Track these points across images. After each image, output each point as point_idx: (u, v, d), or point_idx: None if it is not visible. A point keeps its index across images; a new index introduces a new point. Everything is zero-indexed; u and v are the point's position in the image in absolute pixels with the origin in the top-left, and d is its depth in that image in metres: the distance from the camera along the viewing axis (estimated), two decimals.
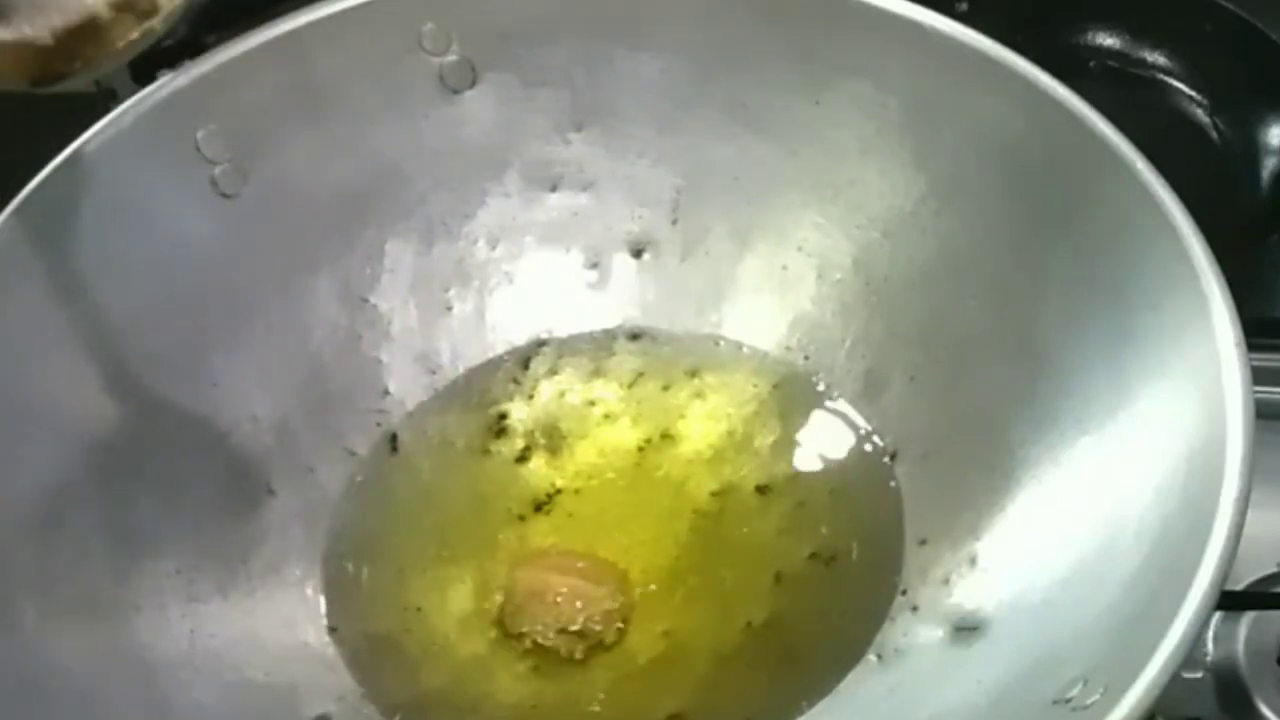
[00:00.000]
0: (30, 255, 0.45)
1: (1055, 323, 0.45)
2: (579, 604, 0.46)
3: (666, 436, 0.51)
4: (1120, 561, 0.39)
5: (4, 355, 0.44)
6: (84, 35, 0.40)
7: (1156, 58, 0.65)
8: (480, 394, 0.52)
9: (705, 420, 0.51)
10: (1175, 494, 0.39)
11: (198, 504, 0.47)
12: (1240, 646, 0.46)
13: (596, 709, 0.45)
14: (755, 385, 0.51)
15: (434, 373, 0.52)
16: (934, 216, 0.49)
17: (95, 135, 0.46)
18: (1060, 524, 0.43)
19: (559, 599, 0.46)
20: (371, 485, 0.50)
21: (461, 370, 0.53)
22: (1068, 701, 0.36)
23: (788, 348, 0.52)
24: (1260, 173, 0.62)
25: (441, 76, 0.51)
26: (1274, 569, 0.47)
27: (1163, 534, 0.38)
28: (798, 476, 0.49)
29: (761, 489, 0.49)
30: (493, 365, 0.53)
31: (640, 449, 0.51)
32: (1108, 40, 0.66)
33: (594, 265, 0.54)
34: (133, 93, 0.47)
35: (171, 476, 0.47)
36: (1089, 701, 0.35)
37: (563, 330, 0.53)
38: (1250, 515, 0.36)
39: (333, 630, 0.47)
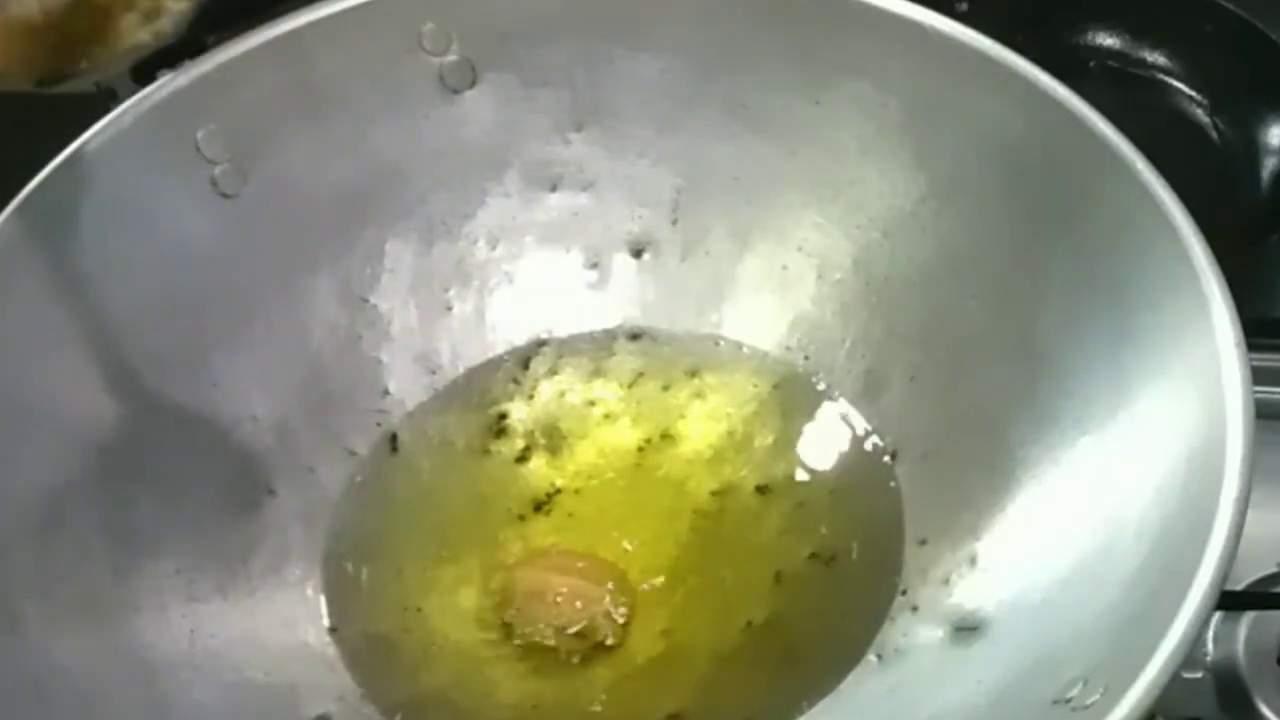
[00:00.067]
0: (30, 255, 0.45)
1: (1055, 323, 0.45)
2: (579, 604, 0.46)
3: (666, 436, 0.51)
4: (1120, 561, 0.39)
5: (4, 355, 0.44)
6: (82, 22, 0.40)
7: (1156, 58, 0.65)
8: (480, 394, 0.52)
9: (705, 420, 0.51)
10: (1175, 494, 0.39)
11: (198, 504, 0.47)
12: (1240, 646, 0.46)
13: (596, 709, 0.45)
14: (755, 385, 0.51)
15: (434, 373, 0.52)
16: (934, 216, 0.49)
17: (95, 135, 0.46)
18: (1060, 524, 0.43)
19: (559, 599, 0.46)
20: (371, 485, 0.50)
21: (461, 370, 0.53)
22: (1068, 701, 0.36)
23: (788, 348, 0.52)
24: (1260, 173, 0.62)
25: (441, 76, 0.51)
26: (1274, 569, 0.47)
27: (1163, 534, 0.38)
28: (797, 476, 0.49)
29: (761, 489, 0.49)
30: (493, 365, 0.53)
31: (640, 449, 0.51)
32: (1108, 40, 0.66)
33: (594, 265, 0.54)
34: (133, 93, 0.47)
35: (171, 476, 0.47)
36: (1089, 701, 0.35)
37: (563, 330, 0.53)
38: (1250, 515, 0.36)
39: (333, 630, 0.47)
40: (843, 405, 0.50)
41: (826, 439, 0.50)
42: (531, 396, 0.52)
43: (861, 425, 0.50)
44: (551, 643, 0.46)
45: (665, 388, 0.52)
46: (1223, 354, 0.39)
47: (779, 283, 0.52)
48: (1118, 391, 0.42)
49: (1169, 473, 0.39)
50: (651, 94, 0.51)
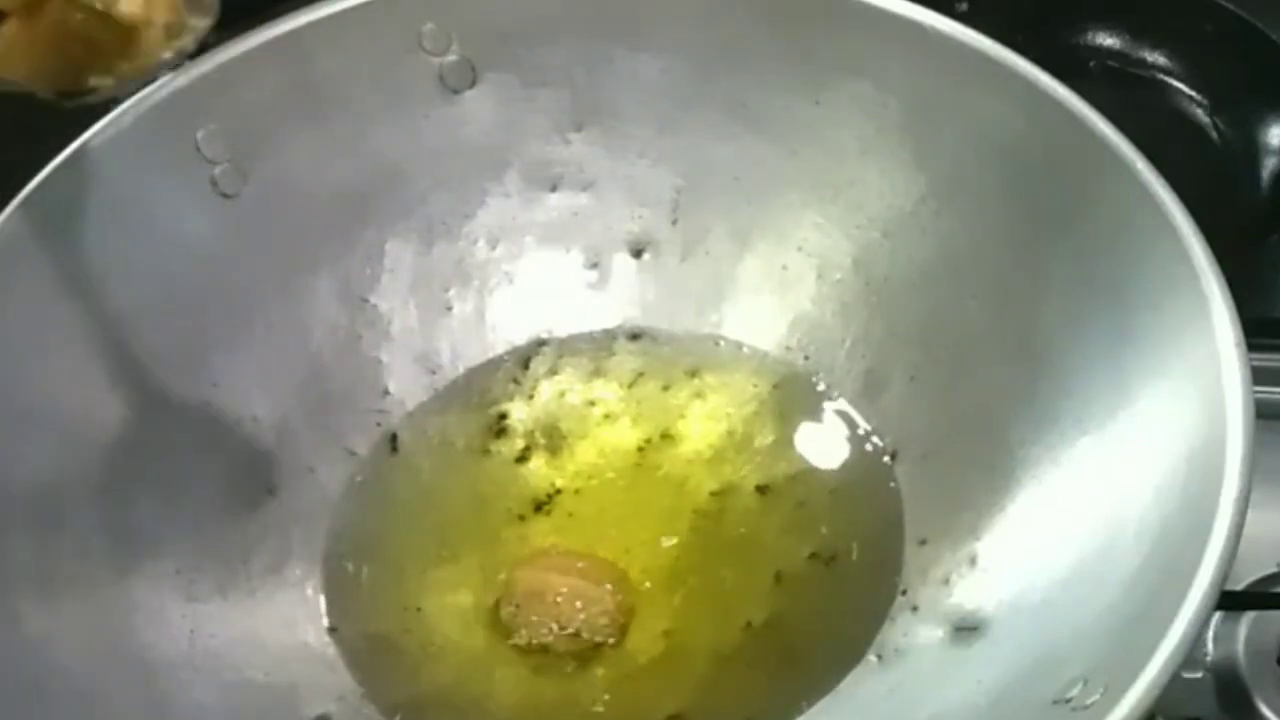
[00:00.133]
0: (30, 255, 0.45)
1: (1055, 323, 0.45)
2: (579, 604, 0.46)
3: (666, 436, 0.51)
4: (1120, 561, 0.39)
5: (4, 355, 0.44)
6: (108, 37, 0.40)
7: (1156, 58, 0.65)
8: (480, 394, 0.52)
9: (705, 420, 0.51)
10: (1175, 494, 0.39)
11: (198, 504, 0.47)
12: (1240, 646, 0.46)
13: (596, 709, 0.45)
14: (755, 385, 0.51)
15: (434, 373, 0.52)
16: (934, 216, 0.49)
17: (95, 135, 0.46)
18: (1060, 524, 0.43)
19: (559, 599, 0.46)
20: (371, 485, 0.50)
21: (461, 370, 0.53)
22: (1068, 701, 0.36)
23: (788, 348, 0.52)
24: (1260, 173, 0.62)
25: (441, 76, 0.51)
26: (1274, 569, 0.47)
27: (1163, 534, 0.38)
28: (798, 476, 0.49)
29: (761, 489, 0.49)
30: (493, 365, 0.53)
31: (640, 449, 0.51)
32: (1108, 40, 0.66)
33: (594, 265, 0.54)
34: (133, 93, 0.47)
35: (171, 476, 0.47)
36: (1089, 701, 0.35)
37: (563, 330, 0.53)
38: (1250, 515, 0.36)
39: (333, 630, 0.47)
40: (843, 405, 0.50)
41: (826, 439, 0.50)
42: (531, 396, 0.52)
43: (861, 425, 0.50)
44: (551, 643, 0.46)
45: (665, 388, 0.52)
46: (1223, 354, 0.39)
47: (779, 283, 0.52)
48: (1118, 391, 0.42)
49: (1169, 473, 0.39)
50: (651, 94, 0.51)
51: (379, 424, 0.51)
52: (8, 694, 0.40)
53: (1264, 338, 0.47)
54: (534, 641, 0.46)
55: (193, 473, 0.48)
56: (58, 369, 0.45)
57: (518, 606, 0.46)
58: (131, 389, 0.47)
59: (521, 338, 0.53)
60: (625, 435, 0.51)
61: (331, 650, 0.46)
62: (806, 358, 0.51)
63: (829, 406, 0.51)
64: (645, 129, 0.52)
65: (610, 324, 0.53)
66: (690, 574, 0.47)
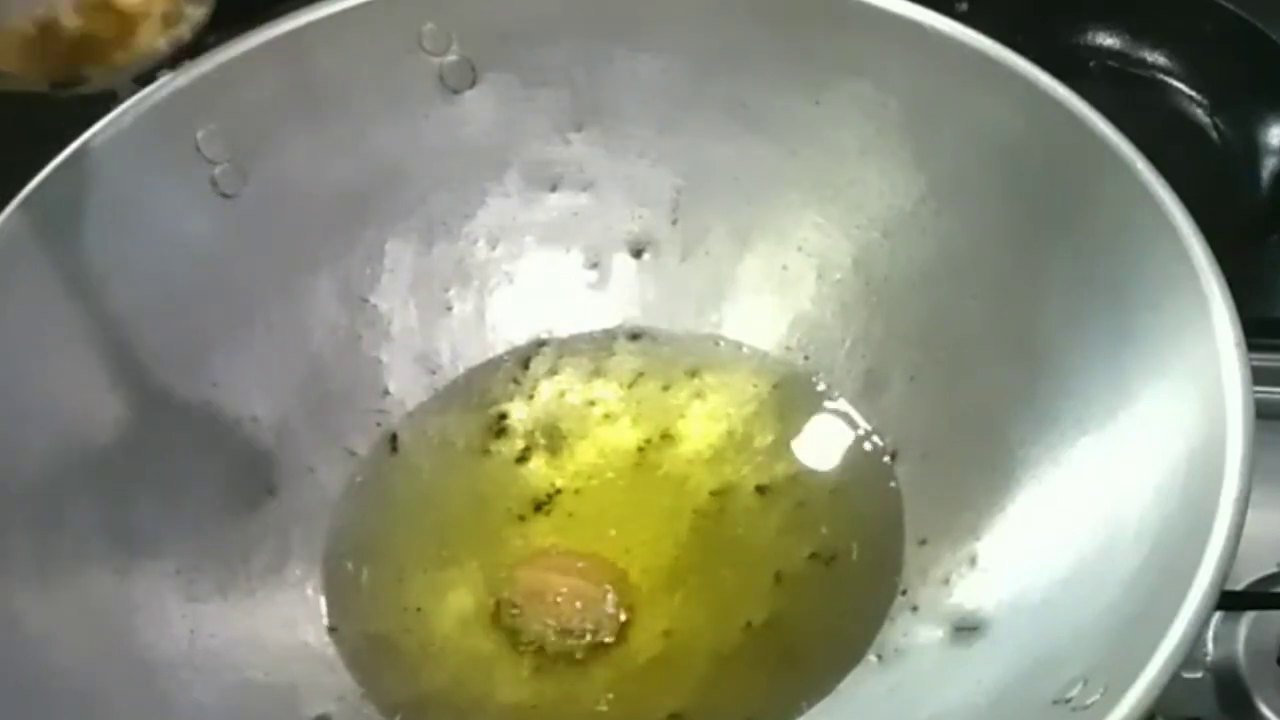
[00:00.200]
0: (30, 255, 0.45)
1: (1055, 323, 0.45)
2: (579, 604, 0.46)
3: (666, 436, 0.51)
4: (1120, 561, 0.39)
5: (4, 355, 0.44)
6: (103, 27, 0.40)
7: (1156, 58, 0.65)
8: (480, 394, 0.52)
9: (705, 420, 0.51)
10: (1175, 494, 0.39)
11: (198, 504, 0.47)
12: (1240, 646, 0.46)
13: (596, 709, 0.45)
14: (755, 385, 0.51)
15: (434, 373, 0.52)
16: (934, 216, 0.49)
17: (95, 135, 0.46)
18: (1060, 524, 0.43)
19: (559, 599, 0.46)
20: (371, 485, 0.50)
21: (461, 370, 0.53)
22: (1068, 701, 0.36)
23: (788, 348, 0.52)
24: (1260, 173, 0.62)
25: (441, 76, 0.51)
26: (1274, 569, 0.47)
27: (1163, 534, 0.38)
28: (798, 476, 0.49)
29: (761, 489, 0.49)
30: (493, 365, 0.53)
31: (640, 449, 0.51)
32: (1108, 40, 0.66)
33: (594, 265, 0.54)
34: (133, 93, 0.47)
35: (171, 476, 0.47)
36: (1089, 701, 0.35)
37: (563, 330, 0.53)
38: (1250, 515, 0.36)
39: (333, 630, 0.47)
40: (843, 405, 0.50)
41: (826, 439, 0.50)
42: (531, 396, 0.52)
43: (861, 425, 0.50)
44: (551, 643, 0.46)
45: (665, 388, 0.52)
46: (1223, 354, 0.39)
47: (779, 283, 0.52)
48: (1118, 391, 0.42)
49: (1169, 473, 0.39)
50: (651, 94, 0.51)
51: (379, 424, 0.51)
52: (8, 694, 0.40)
53: (1264, 338, 0.47)
54: (534, 642, 0.46)
55: (193, 473, 0.48)
56: (58, 369, 0.45)
57: (518, 607, 0.46)
58: (131, 389, 0.47)
59: (521, 338, 0.53)
60: (625, 435, 0.51)
61: (331, 650, 0.46)
62: (806, 358, 0.51)
63: (829, 406, 0.51)
64: (645, 129, 0.52)
65: (610, 324, 0.53)
66: (690, 574, 0.47)
